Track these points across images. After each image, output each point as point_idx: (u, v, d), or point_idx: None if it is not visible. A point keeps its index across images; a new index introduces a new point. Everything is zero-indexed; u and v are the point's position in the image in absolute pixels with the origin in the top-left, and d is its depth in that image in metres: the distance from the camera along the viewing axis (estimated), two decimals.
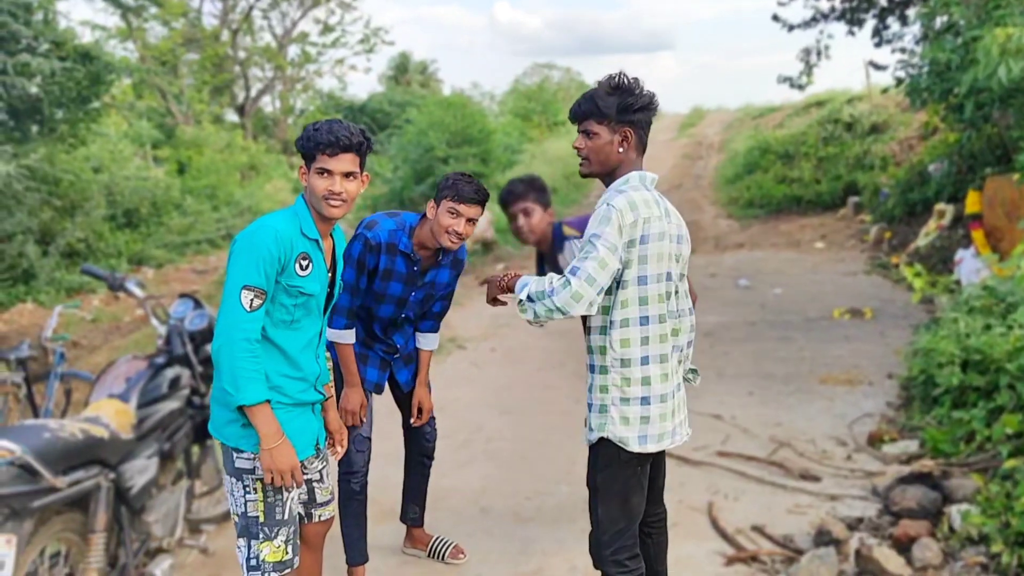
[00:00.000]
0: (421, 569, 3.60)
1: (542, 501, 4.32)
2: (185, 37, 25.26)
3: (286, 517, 2.51)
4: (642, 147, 2.56)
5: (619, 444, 2.47)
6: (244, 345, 2.34)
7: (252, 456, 2.45)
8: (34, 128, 12.50)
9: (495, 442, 5.19)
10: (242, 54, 27.89)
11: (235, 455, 2.48)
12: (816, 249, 11.69)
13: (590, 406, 2.55)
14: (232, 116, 27.96)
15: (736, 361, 6.63)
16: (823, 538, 3.62)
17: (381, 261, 3.13)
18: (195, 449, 3.88)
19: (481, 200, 3.13)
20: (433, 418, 3.62)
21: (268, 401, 2.39)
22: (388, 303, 3.24)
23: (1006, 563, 3.22)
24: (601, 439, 2.51)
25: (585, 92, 2.59)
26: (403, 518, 3.72)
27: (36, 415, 4.64)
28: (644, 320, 2.45)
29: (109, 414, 3.25)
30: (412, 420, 3.50)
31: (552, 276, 2.43)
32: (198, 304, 3.99)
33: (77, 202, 13.35)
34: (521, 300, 2.43)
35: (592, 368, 2.54)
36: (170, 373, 3.63)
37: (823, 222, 13.34)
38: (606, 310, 2.46)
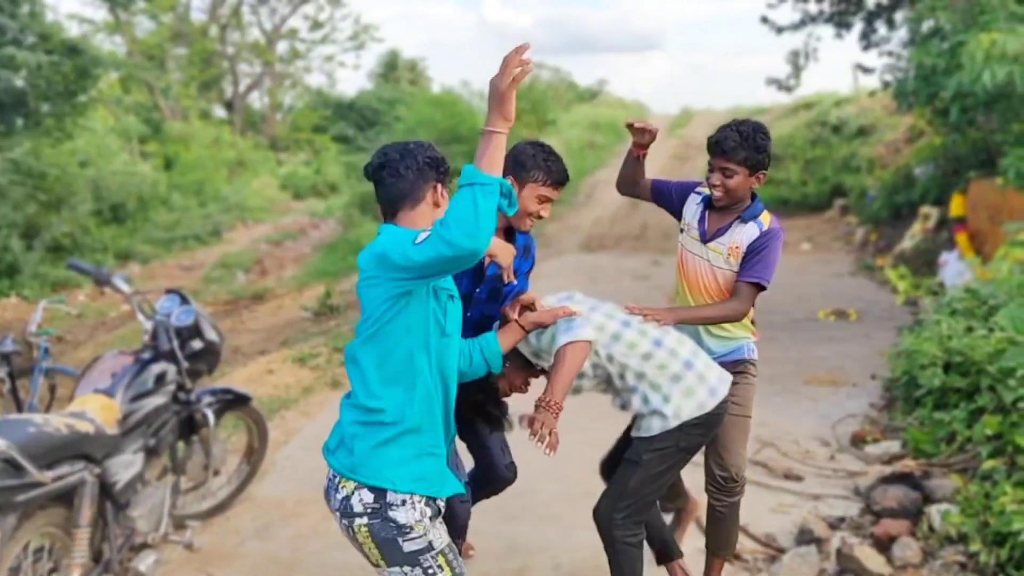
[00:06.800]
0: None
1: (528, 499, 4.32)
2: (173, 32, 25.19)
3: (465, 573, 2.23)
4: None
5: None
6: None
7: (422, 532, 2.11)
8: (20, 122, 12.44)
9: None
10: (231, 49, 27.81)
11: (400, 540, 2.07)
12: (802, 251, 11.74)
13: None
14: (220, 111, 27.87)
15: None
16: (805, 537, 3.65)
17: None
18: (181, 445, 3.87)
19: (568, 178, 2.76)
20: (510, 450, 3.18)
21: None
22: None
23: (984, 562, 3.27)
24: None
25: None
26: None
27: (20, 410, 4.60)
28: None
29: (94, 409, 3.24)
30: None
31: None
32: (184, 299, 3.97)
33: (63, 196, 13.27)
34: None
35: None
36: (156, 368, 3.61)
37: (810, 224, 13.41)
38: None
